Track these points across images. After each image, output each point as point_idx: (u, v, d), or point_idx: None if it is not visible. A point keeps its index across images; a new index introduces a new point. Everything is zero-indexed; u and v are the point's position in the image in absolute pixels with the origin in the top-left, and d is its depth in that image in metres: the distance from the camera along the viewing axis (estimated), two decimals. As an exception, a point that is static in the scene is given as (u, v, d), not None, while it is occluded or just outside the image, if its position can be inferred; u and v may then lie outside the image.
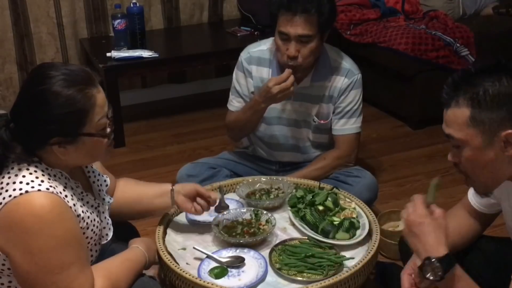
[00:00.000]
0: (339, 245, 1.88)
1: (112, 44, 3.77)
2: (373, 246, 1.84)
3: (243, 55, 2.53)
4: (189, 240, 1.96)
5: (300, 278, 1.75)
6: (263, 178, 2.27)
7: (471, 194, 1.76)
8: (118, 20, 3.64)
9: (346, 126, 2.51)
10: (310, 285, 1.69)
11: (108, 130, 1.59)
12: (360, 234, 1.92)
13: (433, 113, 3.70)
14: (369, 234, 1.93)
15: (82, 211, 1.56)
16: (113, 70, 3.54)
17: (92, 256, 1.66)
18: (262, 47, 2.52)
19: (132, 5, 3.70)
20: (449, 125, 1.46)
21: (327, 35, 2.39)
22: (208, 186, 2.26)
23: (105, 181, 1.81)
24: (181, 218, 2.09)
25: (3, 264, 1.49)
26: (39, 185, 1.45)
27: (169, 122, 4.01)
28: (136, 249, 1.73)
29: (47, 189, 1.45)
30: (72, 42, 3.99)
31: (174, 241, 1.96)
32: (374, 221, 1.98)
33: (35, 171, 1.48)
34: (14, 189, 1.43)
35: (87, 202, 1.63)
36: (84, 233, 1.57)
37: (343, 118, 2.50)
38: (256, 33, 3.97)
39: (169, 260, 1.80)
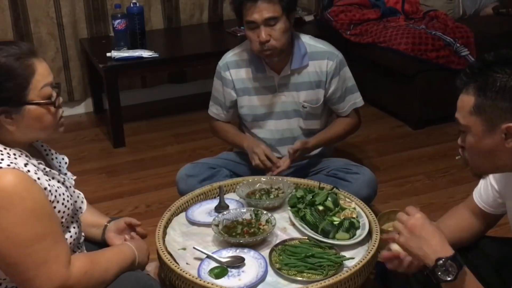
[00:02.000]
0: (339, 245, 1.88)
1: (112, 44, 3.77)
2: (373, 246, 1.84)
3: (220, 63, 2.59)
4: (189, 240, 1.96)
5: (300, 278, 1.75)
6: (263, 178, 2.27)
7: (476, 195, 1.76)
8: (118, 20, 3.64)
9: (349, 105, 2.58)
10: (310, 285, 1.69)
11: (55, 99, 1.56)
12: (360, 234, 1.92)
13: (433, 113, 3.76)
14: (369, 234, 1.93)
15: (48, 185, 1.56)
16: (113, 70, 3.54)
17: (71, 231, 1.66)
18: (237, 51, 2.59)
19: (132, 5, 3.70)
20: (458, 110, 1.49)
21: (294, 17, 2.47)
22: (208, 186, 2.26)
23: (63, 159, 1.79)
24: (181, 218, 2.09)
25: None
26: None
27: (169, 122, 4.01)
28: (125, 244, 1.74)
29: (8, 165, 1.46)
30: (72, 42, 4.00)
31: (174, 241, 1.96)
32: (374, 221, 1.98)
33: None
34: None
35: (53, 178, 1.62)
36: (54, 207, 1.57)
37: (346, 97, 2.56)
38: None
39: (169, 260, 1.80)
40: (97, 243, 1.86)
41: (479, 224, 1.77)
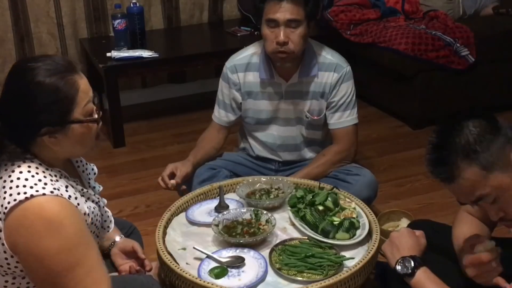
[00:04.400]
0: (339, 245, 1.89)
1: (112, 44, 3.77)
2: (373, 246, 1.84)
3: (227, 65, 2.56)
4: (189, 240, 1.96)
5: (300, 278, 1.75)
6: (263, 178, 2.27)
7: None
8: (118, 20, 3.64)
9: (342, 119, 2.51)
10: (310, 285, 1.69)
11: (96, 115, 1.55)
12: (360, 234, 1.92)
13: (433, 113, 3.75)
14: (369, 234, 1.94)
15: (87, 207, 1.56)
16: (113, 70, 3.54)
17: None
18: (247, 53, 2.54)
19: (132, 5, 3.70)
20: (470, 192, 1.48)
21: (313, 26, 2.43)
22: (208, 186, 2.26)
23: (92, 169, 1.78)
24: (181, 218, 2.09)
25: (16, 267, 1.47)
26: (43, 188, 1.43)
27: (169, 122, 4.01)
28: None
29: (52, 192, 1.43)
30: (72, 42, 4.00)
31: (174, 241, 1.96)
32: (374, 221, 1.99)
33: (37, 173, 1.46)
34: (19, 193, 1.41)
35: (88, 198, 1.62)
36: (91, 230, 1.57)
37: (337, 111, 2.50)
38: (256, 33, 3.96)
39: (169, 260, 1.80)
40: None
41: (485, 226, 1.78)
